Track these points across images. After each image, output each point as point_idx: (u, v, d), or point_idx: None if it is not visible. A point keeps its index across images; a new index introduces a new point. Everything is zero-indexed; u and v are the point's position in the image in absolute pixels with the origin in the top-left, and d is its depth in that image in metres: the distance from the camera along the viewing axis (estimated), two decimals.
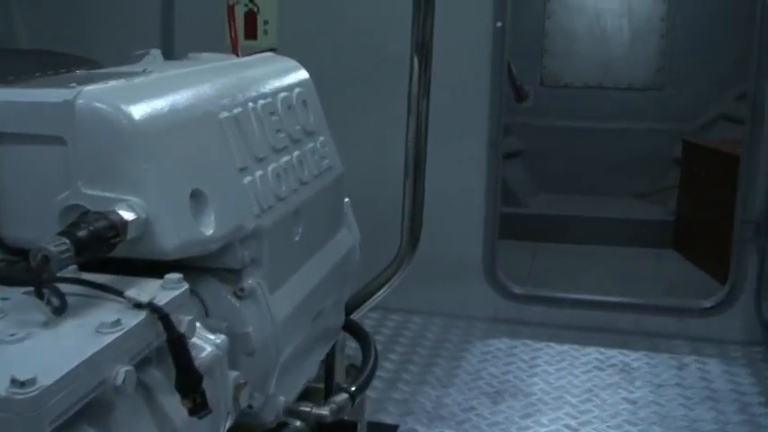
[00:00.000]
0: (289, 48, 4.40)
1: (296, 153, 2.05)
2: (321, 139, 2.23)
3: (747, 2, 7.32)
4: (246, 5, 4.32)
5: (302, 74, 2.25)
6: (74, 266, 1.44)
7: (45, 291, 1.32)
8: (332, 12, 4.28)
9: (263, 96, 1.97)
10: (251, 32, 4.34)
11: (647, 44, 7.25)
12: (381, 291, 2.44)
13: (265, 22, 4.32)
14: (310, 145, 2.14)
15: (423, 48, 2.40)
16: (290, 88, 2.13)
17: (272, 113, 1.98)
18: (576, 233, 6.33)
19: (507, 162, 7.43)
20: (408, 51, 4.17)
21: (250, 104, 1.89)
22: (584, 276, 5.46)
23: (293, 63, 2.27)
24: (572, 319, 4.35)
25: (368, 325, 4.33)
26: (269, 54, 2.27)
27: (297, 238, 2.00)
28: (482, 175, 4.33)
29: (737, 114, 7.06)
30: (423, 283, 4.36)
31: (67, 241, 1.36)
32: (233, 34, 2.72)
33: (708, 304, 4.25)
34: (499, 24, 4.23)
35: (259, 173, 1.84)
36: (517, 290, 4.43)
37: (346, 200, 2.40)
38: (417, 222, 2.46)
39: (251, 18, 4.33)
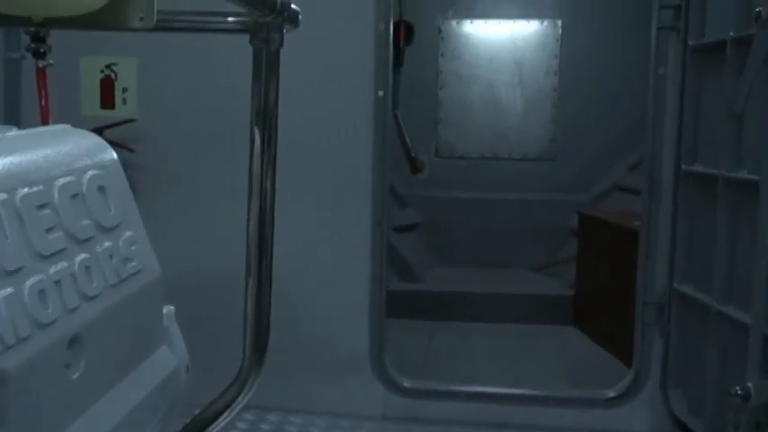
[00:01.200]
0: (151, 118, 3.88)
1: (80, 257, 1.49)
2: (127, 234, 1.67)
3: (639, 72, 7.13)
4: (103, 71, 3.76)
5: (104, 153, 1.70)
6: None
7: None
8: (196, 78, 3.75)
9: (29, 183, 1.41)
10: (108, 101, 3.78)
11: (540, 114, 6.99)
12: (221, 419, 1.89)
13: (124, 90, 3.76)
14: (107, 244, 1.59)
15: (265, 117, 1.89)
16: (79, 171, 1.57)
17: (41, 206, 1.42)
18: (475, 310, 5.88)
19: (403, 235, 6.99)
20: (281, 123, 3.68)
21: (1, 195, 1.34)
22: (482, 360, 4.99)
23: (93, 139, 1.72)
24: (467, 414, 3.83)
25: (240, 428, 3.73)
26: (62, 127, 1.73)
27: (76, 375, 1.43)
28: (367, 256, 3.83)
29: (631, 184, 6.82)
30: (303, 377, 3.80)
31: None
32: (43, 102, 2.16)
33: (611, 394, 3.80)
34: (380, 93, 3.78)
35: (6, 292, 1.27)
36: (407, 383, 3.89)
37: (169, 309, 1.84)
38: (263, 330, 1.93)
39: (108, 85, 3.77)
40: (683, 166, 3.48)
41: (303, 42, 3.85)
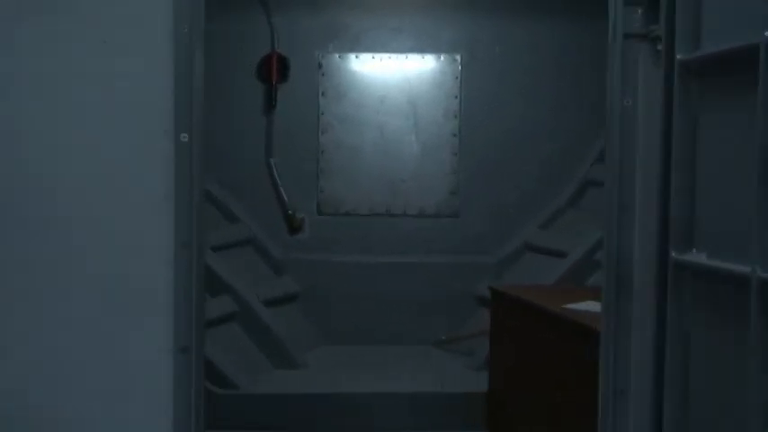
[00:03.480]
0: None
1: None
2: None
3: (555, 110, 5.32)
4: None
5: None
6: None
7: None
8: None
9: None
10: None
11: (439, 163, 5.48)
12: None
13: None
14: None
15: None
16: None
17: None
18: (366, 415, 4.25)
19: (280, 309, 5.33)
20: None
21: None
22: None
23: None
24: None
25: None
26: None
27: None
28: (164, 405, 2.15)
29: (544, 244, 5.39)
30: None
31: None
32: None
33: None
34: (185, 138, 2.14)
35: None
36: None
37: None
38: None
39: None
40: (674, 255, 1.97)
41: (58, 54, 2.21)
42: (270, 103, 5.42)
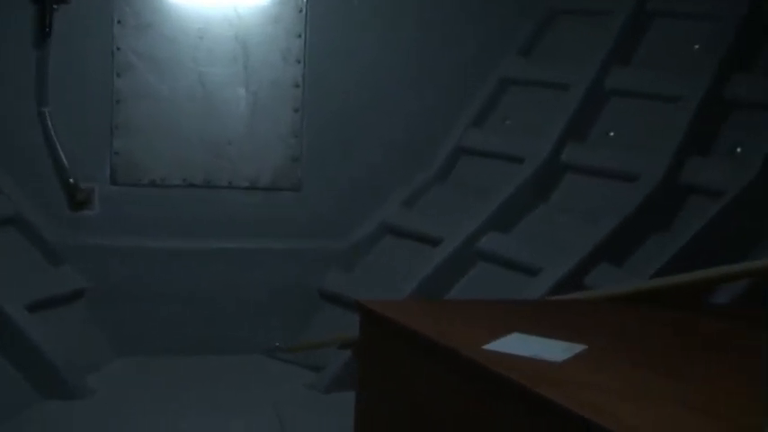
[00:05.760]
0: None
1: None
2: None
3: (424, 60, 3.85)
4: None
5: None
6: None
7: None
8: None
9: None
10: None
11: (276, 123, 4.00)
12: None
13: None
14: None
15: None
16: None
17: None
18: None
19: (57, 312, 3.65)
20: None
21: None
22: None
23: None
24: None
25: None
26: None
27: None
28: None
29: (410, 227, 4.08)
30: None
31: None
32: None
33: None
34: None
35: None
36: None
37: None
38: None
39: None
40: None
41: None
42: (43, 32, 3.68)
